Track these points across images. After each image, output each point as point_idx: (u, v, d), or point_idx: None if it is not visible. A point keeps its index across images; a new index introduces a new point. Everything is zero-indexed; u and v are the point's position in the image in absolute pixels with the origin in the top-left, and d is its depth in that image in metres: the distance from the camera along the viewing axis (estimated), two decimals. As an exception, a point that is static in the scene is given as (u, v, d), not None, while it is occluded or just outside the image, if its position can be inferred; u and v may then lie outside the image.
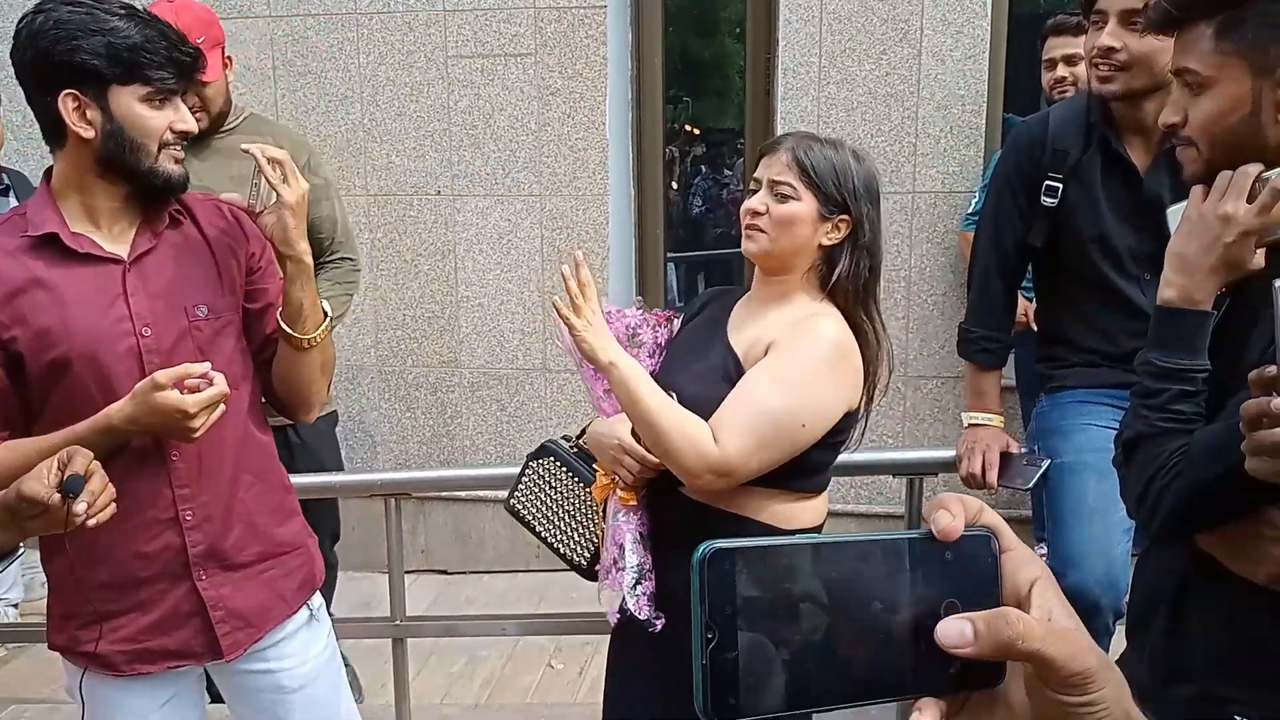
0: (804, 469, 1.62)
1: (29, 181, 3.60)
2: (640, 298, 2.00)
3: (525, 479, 1.86)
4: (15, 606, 3.50)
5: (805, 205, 1.60)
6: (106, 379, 1.50)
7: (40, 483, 1.28)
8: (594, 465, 1.77)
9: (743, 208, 1.67)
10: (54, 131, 1.50)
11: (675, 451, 1.53)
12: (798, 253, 1.63)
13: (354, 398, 3.93)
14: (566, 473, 1.83)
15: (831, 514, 3.69)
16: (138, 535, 1.56)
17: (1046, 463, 2.10)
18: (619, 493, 1.68)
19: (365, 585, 3.68)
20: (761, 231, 1.62)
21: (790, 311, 1.64)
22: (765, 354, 1.59)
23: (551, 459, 1.84)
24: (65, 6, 1.45)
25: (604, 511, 1.75)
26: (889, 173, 3.56)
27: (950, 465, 2.22)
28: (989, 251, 2.22)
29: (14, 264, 1.48)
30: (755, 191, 1.65)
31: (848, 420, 1.63)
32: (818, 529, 1.70)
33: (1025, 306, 2.91)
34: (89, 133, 1.47)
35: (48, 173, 1.56)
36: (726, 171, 5.46)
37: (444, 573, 3.88)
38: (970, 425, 2.24)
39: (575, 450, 1.84)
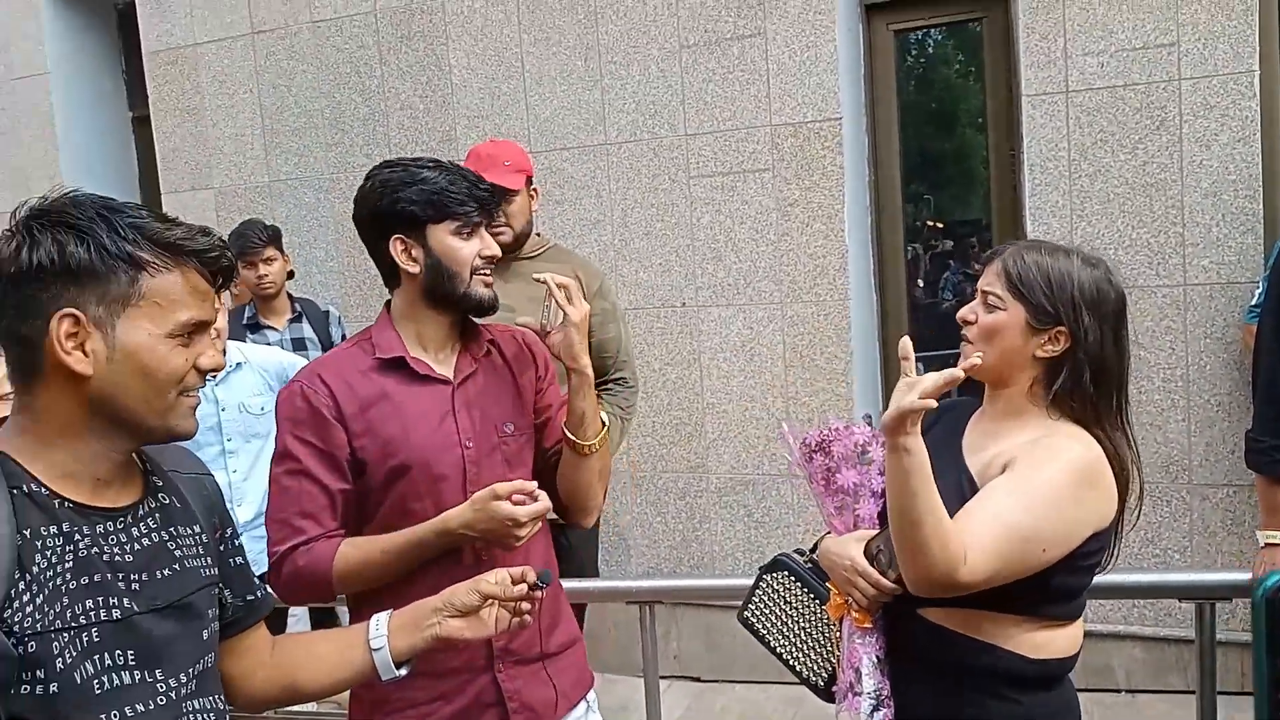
0: (1054, 595, 1.54)
1: (317, 306, 4.11)
2: (869, 414, 1.97)
3: (759, 593, 1.85)
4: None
5: (1010, 315, 1.56)
6: (436, 485, 1.70)
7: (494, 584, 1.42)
8: (828, 582, 1.74)
9: (958, 315, 1.66)
10: (389, 273, 1.77)
11: (924, 554, 1.42)
12: (1009, 365, 1.58)
13: (608, 502, 4.09)
14: (801, 588, 1.80)
15: (1113, 636, 3.44)
16: None
17: None
18: (854, 613, 1.65)
19: (622, 689, 3.76)
20: (968, 342, 1.60)
21: (1025, 429, 1.58)
22: (1002, 472, 1.53)
23: (785, 573, 1.82)
24: (386, 170, 1.74)
25: (840, 630, 1.72)
26: (1155, 266, 3.35)
27: (1247, 589, 2.02)
28: (1274, 351, 2.04)
29: (366, 381, 1.72)
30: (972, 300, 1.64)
31: (1095, 542, 1.53)
32: (1073, 658, 1.60)
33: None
34: (415, 269, 1.72)
35: (387, 304, 1.82)
36: (976, 265, 5.34)
37: (697, 680, 3.90)
38: (1266, 545, 2.04)
39: (810, 565, 1.81)
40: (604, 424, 1.81)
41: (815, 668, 1.78)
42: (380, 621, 1.41)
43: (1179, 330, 3.34)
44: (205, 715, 1.23)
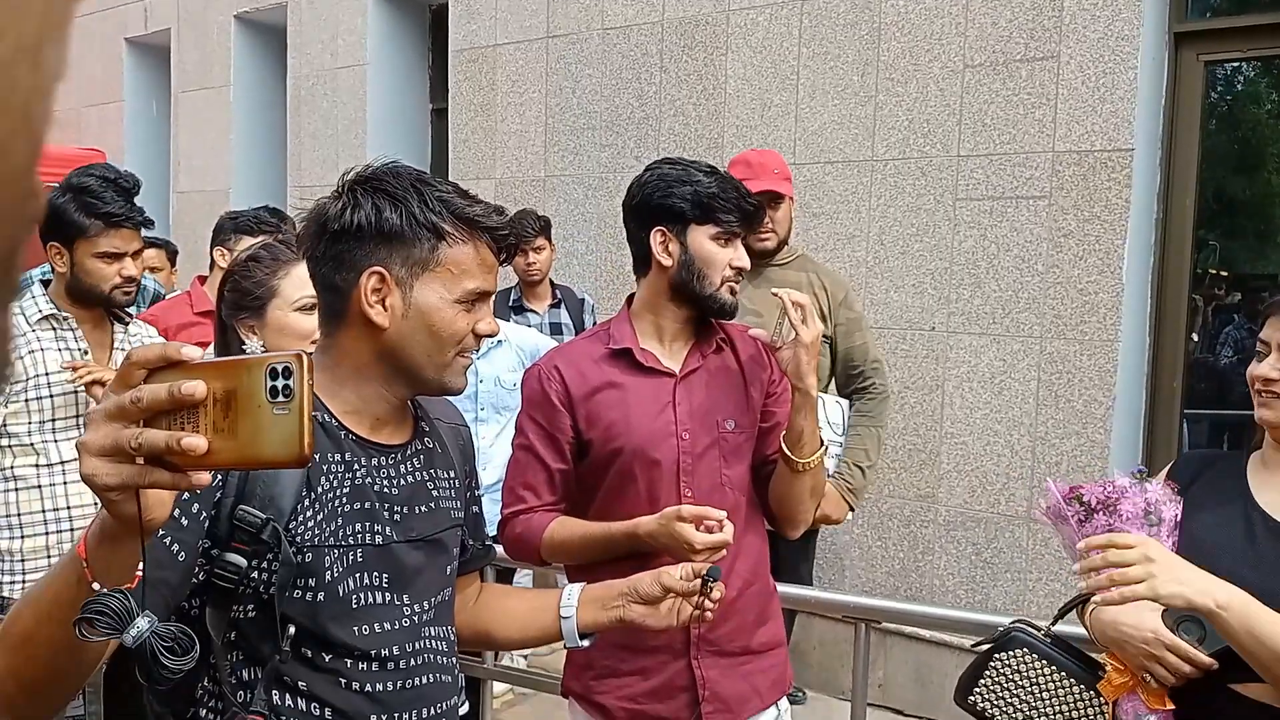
0: None
1: (575, 294, 4.32)
2: (1142, 467, 1.80)
3: (989, 674, 1.71)
4: (525, 656, 4.07)
5: None
6: (650, 471, 1.78)
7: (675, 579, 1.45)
8: (1082, 658, 1.62)
9: (1249, 373, 1.54)
10: (642, 261, 1.86)
11: None
12: None
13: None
14: (1048, 666, 1.66)
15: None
16: None
17: None
18: (1142, 694, 1.50)
19: (821, 708, 3.72)
20: (1276, 396, 1.49)
21: None
22: None
23: (1025, 651, 1.68)
24: (665, 165, 1.84)
25: (1111, 711, 1.56)
26: None
27: None
28: None
29: (597, 369, 1.83)
30: (1265, 355, 1.51)
31: None
32: None
33: None
34: (668, 261, 1.80)
35: (630, 297, 1.92)
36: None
37: (900, 713, 3.79)
38: None
39: (1049, 639, 1.68)
40: (822, 443, 1.80)
41: None
42: (572, 593, 1.49)
43: None
44: (440, 642, 1.35)
